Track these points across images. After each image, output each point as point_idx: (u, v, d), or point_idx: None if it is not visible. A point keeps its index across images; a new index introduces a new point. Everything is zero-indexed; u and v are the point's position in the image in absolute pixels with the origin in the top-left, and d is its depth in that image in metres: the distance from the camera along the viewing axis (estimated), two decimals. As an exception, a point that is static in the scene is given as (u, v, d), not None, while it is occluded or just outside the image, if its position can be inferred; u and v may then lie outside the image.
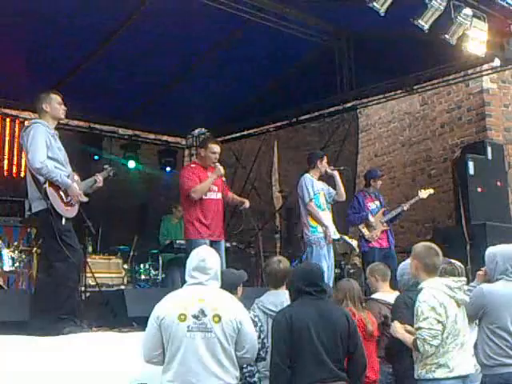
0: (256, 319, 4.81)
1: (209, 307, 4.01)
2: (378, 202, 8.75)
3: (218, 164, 6.90)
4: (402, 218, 9.18)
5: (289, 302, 4.99)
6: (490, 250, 4.95)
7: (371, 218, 8.52)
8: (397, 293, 5.74)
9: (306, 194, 7.56)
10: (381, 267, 6.10)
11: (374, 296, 5.84)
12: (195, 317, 3.97)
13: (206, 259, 4.19)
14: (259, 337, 4.70)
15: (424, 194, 8.70)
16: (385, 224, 8.58)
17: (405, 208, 8.70)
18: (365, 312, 5.31)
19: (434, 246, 4.66)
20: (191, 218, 6.79)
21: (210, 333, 3.96)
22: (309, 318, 4.24)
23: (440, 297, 4.37)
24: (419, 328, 4.35)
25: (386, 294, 5.71)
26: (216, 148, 6.99)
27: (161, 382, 4.01)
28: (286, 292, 5.24)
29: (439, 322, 4.31)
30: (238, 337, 4.06)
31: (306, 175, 7.71)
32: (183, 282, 4.39)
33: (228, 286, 4.82)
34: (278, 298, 5.16)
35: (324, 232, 7.47)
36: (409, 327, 4.54)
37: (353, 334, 4.34)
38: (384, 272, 5.97)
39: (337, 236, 7.77)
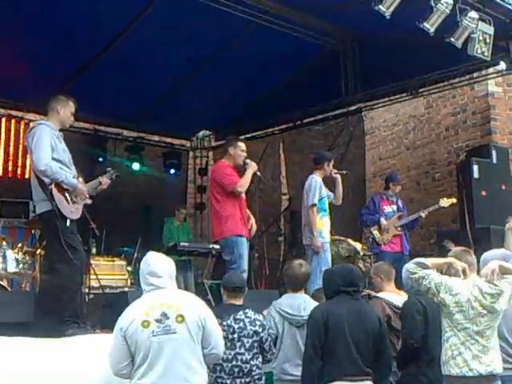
0: (270, 321, 4.87)
1: (171, 309, 4.03)
2: (394, 207, 8.71)
3: (249, 160, 6.95)
4: (419, 224, 9.10)
5: (305, 305, 5.10)
6: (484, 255, 4.93)
7: (383, 222, 8.48)
8: (403, 293, 5.72)
9: (311, 197, 7.39)
10: (385, 267, 6.06)
11: (378, 294, 5.82)
12: (158, 321, 3.98)
13: (152, 263, 4.23)
14: (266, 340, 4.75)
15: (445, 202, 8.61)
16: (399, 229, 8.54)
17: (422, 215, 8.62)
18: None
19: (466, 248, 4.78)
20: (230, 214, 6.77)
21: (174, 334, 3.98)
22: (344, 316, 4.44)
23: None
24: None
25: (391, 294, 5.69)
26: (244, 146, 7.07)
27: None
28: (304, 295, 5.29)
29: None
30: (204, 334, 4.07)
31: (315, 177, 7.54)
32: (186, 284, 4.41)
33: (243, 286, 4.95)
34: (296, 301, 5.22)
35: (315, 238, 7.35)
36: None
37: (383, 336, 4.56)
38: (388, 272, 5.91)
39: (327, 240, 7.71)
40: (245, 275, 6.30)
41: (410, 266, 4.45)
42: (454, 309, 4.30)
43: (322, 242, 7.34)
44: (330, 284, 4.69)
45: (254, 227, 7.24)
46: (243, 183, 6.82)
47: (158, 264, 4.23)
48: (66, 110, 5.76)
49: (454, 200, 8.76)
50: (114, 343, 4.07)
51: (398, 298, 5.64)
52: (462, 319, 4.28)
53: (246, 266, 6.74)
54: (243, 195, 6.97)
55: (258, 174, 7.08)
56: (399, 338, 5.45)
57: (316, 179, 7.52)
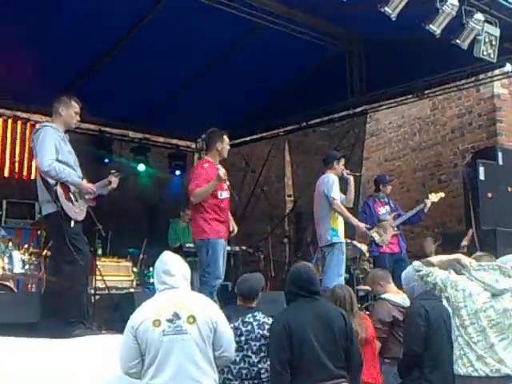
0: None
1: (183, 309, 4.02)
2: (388, 207, 8.69)
3: (220, 166, 6.50)
4: (418, 220, 9.03)
5: None
6: (502, 258, 4.94)
7: (382, 222, 8.48)
8: (404, 294, 5.72)
9: (331, 192, 7.16)
10: (380, 273, 6.19)
11: (383, 296, 5.83)
12: (169, 321, 3.97)
13: (168, 262, 4.21)
14: None
15: (435, 197, 8.59)
16: (395, 228, 8.54)
17: (427, 203, 8.53)
18: (358, 318, 5.20)
19: (487, 253, 4.75)
20: (208, 218, 6.45)
21: (185, 334, 3.97)
22: (306, 322, 4.26)
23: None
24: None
25: (395, 295, 5.76)
26: (227, 140, 6.78)
27: None
28: None
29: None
30: (215, 336, 4.06)
31: (330, 174, 7.34)
32: (192, 285, 4.41)
33: (255, 290, 4.88)
34: None
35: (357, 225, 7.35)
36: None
37: (350, 333, 4.37)
38: (384, 276, 6.04)
39: (343, 240, 7.70)
40: (219, 282, 6.25)
41: (416, 263, 4.50)
42: (460, 304, 4.32)
43: (338, 240, 7.22)
44: (287, 289, 4.52)
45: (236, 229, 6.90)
46: (198, 193, 6.37)
47: (173, 263, 4.22)
48: (68, 110, 5.74)
49: (443, 194, 8.66)
50: (124, 342, 4.07)
51: (401, 297, 5.70)
52: (465, 315, 4.29)
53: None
54: (227, 195, 6.61)
55: (227, 183, 6.62)
56: None
57: (330, 176, 7.33)
